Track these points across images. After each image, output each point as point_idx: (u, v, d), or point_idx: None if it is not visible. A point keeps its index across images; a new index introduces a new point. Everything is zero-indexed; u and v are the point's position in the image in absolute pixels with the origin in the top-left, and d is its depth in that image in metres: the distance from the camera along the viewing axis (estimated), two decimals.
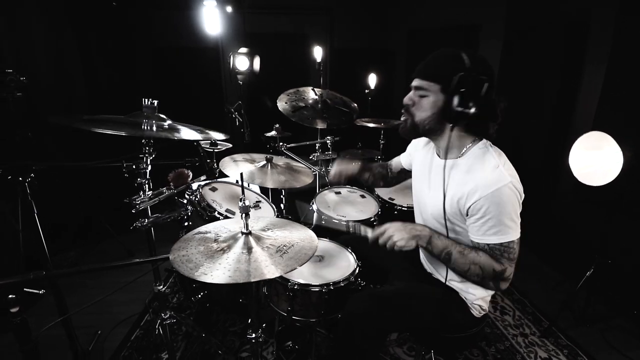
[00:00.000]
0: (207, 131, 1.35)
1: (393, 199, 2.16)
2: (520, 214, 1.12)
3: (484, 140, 1.21)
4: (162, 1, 3.64)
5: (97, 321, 2.09)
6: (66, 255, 2.78)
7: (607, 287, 2.23)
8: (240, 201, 0.99)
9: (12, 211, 1.98)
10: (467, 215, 1.14)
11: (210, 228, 1.13)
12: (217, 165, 1.94)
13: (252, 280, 0.84)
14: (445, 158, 1.20)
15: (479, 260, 1.10)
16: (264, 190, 2.37)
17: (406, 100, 1.22)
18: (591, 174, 1.85)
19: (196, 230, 1.11)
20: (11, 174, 1.35)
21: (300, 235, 1.09)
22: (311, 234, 1.11)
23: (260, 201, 1.45)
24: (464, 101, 1.07)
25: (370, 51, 4.22)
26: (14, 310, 0.90)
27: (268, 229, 1.11)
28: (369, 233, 1.23)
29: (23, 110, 1.87)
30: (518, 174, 1.13)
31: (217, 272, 0.88)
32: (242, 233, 1.03)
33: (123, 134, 1.04)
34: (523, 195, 1.13)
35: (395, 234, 1.15)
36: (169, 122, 1.29)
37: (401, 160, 1.67)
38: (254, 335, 1.16)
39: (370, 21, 4.25)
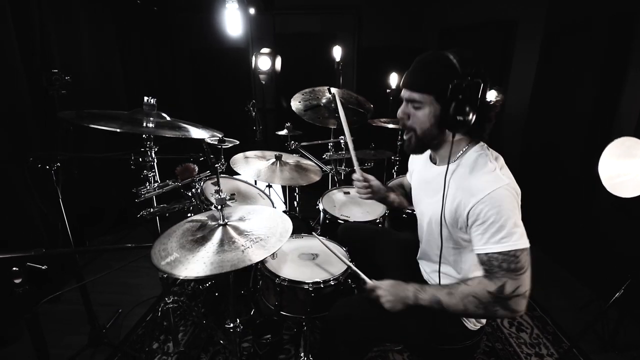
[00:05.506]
0: (201, 128, 1.42)
1: None
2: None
3: (481, 143, 1.15)
4: (197, 4, 3.84)
5: (121, 301, 2.28)
6: (103, 239, 3.06)
7: None
8: (216, 193, 1.04)
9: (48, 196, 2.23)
10: (467, 224, 1.07)
11: (198, 219, 1.19)
12: (226, 161, 2.03)
13: (205, 274, 0.88)
14: (448, 164, 1.13)
15: (469, 290, 1.02)
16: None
17: (400, 113, 1.15)
18: (622, 183, 1.67)
19: (183, 222, 1.18)
20: (40, 163, 1.52)
21: (277, 231, 1.12)
22: (288, 228, 1.13)
23: (235, 194, 1.50)
24: (462, 109, 1.02)
25: (398, 50, 4.11)
26: (17, 281, 1.03)
27: (246, 220, 1.15)
28: (367, 279, 1.23)
29: (67, 106, 2.08)
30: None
31: (180, 266, 0.94)
32: (219, 224, 1.08)
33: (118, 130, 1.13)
34: (520, 196, 1.05)
35: (384, 295, 1.13)
36: (168, 119, 1.38)
37: (410, 180, 1.61)
38: (231, 325, 1.21)
39: (399, 19, 4.15)
